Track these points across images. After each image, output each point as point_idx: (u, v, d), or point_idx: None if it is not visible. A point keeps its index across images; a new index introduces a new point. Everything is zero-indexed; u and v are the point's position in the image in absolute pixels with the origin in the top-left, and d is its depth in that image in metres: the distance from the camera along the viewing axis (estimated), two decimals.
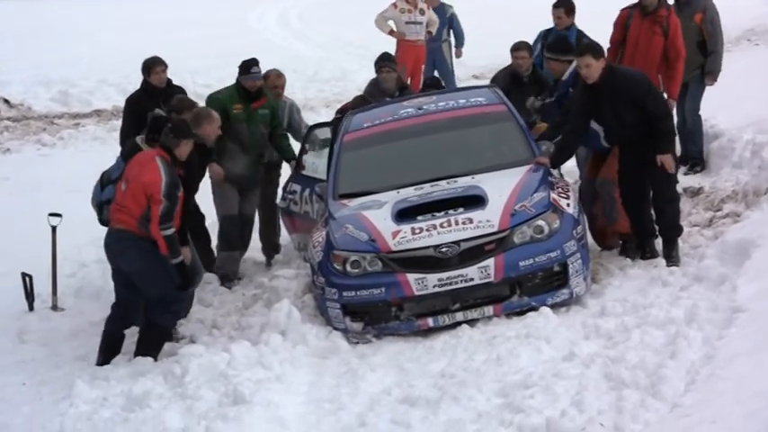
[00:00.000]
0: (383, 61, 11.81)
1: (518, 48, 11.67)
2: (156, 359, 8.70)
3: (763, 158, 11.23)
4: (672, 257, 9.52)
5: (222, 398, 7.69)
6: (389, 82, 11.71)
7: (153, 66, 11.16)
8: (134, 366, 8.57)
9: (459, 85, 13.24)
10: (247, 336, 8.97)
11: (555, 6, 12.29)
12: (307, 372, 8.31)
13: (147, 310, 8.93)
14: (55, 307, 10.33)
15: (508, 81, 11.44)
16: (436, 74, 15.98)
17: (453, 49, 17.19)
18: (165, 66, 11.20)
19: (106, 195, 9.37)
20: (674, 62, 11.29)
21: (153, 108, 10.22)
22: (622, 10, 11.72)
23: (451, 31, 17.11)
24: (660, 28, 11.29)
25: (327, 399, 7.82)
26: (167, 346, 8.98)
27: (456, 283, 8.85)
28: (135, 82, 11.88)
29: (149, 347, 8.82)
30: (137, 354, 8.81)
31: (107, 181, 9.53)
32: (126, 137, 10.84)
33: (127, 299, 8.98)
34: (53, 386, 8.54)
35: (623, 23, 11.54)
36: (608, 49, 11.70)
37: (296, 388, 7.98)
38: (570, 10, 12.22)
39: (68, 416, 7.72)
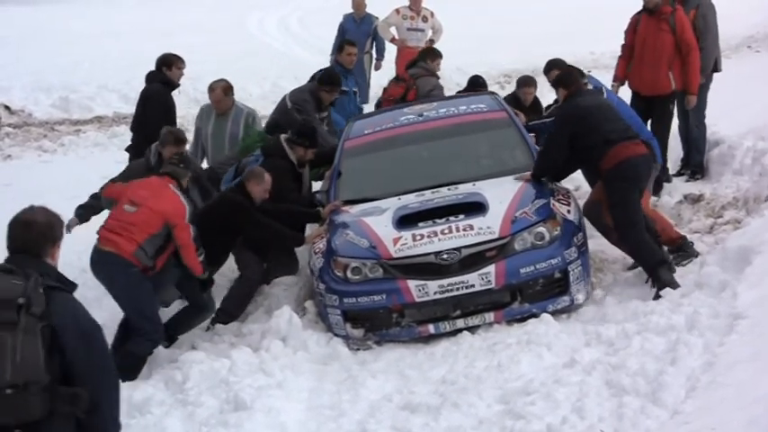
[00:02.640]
0: (333, 85, 11.82)
1: (527, 84, 12.29)
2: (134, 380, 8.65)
3: (763, 165, 11.23)
4: (659, 287, 8.94)
5: (223, 404, 7.69)
6: (326, 102, 11.85)
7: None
8: None
9: (457, 91, 13.34)
10: (248, 342, 8.97)
11: None
12: (307, 378, 8.30)
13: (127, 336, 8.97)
14: None
15: (512, 105, 11.74)
16: None
17: (374, 62, 17.24)
18: None
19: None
20: (687, 56, 11.50)
21: None
22: (632, 16, 11.89)
23: (374, 44, 17.15)
24: (666, 24, 11.45)
25: (328, 405, 7.82)
26: (168, 352, 8.98)
27: (457, 289, 8.84)
28: (137, 87, 11.92)
29: (125, 373, 8.76)
30: None
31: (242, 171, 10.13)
32: None
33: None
34: None
35: (633, 28, 11.75)
36: (620, 55, 11.91)
37: (297, 394, 7.97)
38: None
39: None
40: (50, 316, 4.86)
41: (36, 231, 5.08)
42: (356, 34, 16.75)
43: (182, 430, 7.42)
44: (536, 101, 12.32)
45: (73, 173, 15.63)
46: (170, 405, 7.77)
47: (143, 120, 11.04)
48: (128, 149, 11.32)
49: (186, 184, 9.27)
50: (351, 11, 17.41)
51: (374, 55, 17.22)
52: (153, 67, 11.63)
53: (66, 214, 10.85)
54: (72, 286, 5.15)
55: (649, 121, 11.58)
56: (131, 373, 8.66)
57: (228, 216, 9.43)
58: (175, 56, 11.61)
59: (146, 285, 8.77)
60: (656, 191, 11.23)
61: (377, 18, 17.12)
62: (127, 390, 8.02)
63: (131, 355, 8.75)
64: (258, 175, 9.70)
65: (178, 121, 11.81)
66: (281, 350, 8.60)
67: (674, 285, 8.91)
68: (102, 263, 8.86)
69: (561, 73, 10.03)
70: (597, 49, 20.64)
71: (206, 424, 7.45)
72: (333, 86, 11.80)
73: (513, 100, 12.04)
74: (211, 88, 11.34)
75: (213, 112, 11.35)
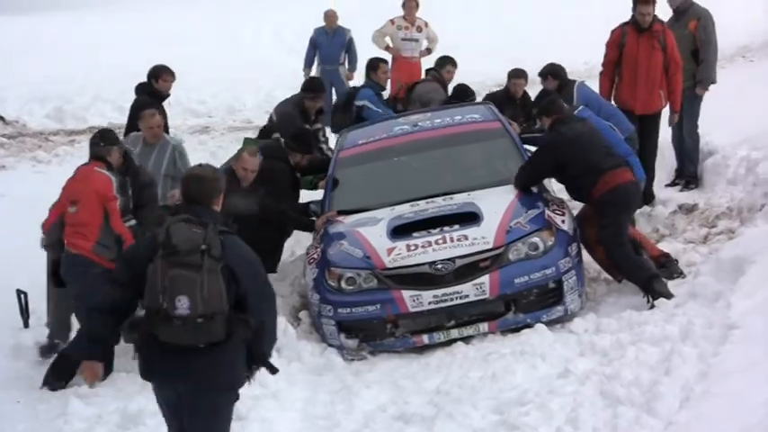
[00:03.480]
0: (316, 92, 11.97)
1: (517, 75, 12.47)
2: (65, 387, 8.58)
3: (757, 175, 11.24)
4: (650, 298, 9.05)
5: None
6: (311, 111, 11.89)
7: None
8: (129, 383, 8.54)
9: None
10: None
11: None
12: (302, 389, 8.30)
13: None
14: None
15: (503, 100, 12.05)
16: (335, 97, 16.04)
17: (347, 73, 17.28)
18: None
19: None
20: (675, 75, 11.44)
21: None
22: (614, 30, 11.70)
23: (347, 56, 17.16)
24: (658, 42, 11.37)
25: (322, 416, 7.82)
26: None
27: (451, 299, 8.84)
28: (131, 98, 11.89)
29: (59, 376, 8.71)
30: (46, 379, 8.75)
31: None
32: None
33: None
34: (48, 404, 8.49)
35: (618, 43, 11.53)
36: (602, 72, 11.80)
37: (291, 405, 7.97)
38: None
39: None
40: (226, 257, 5.89)
41: (206, 184, 6.12)
42: (329, 47, 16.83)
43: None
44: (526, 96, 12.44)
45: None
46: None
47: (133, 131, 10.99)
48: None
49: (116, 158, 9.09)
50: (322, 24, 17.38)
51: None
52: (146, 78, 11.67)
53: None
54: (234, 228, 6.15)
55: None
56: (67, 375, 8.64)
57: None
58: (164, 68, 11.60)
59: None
60: (648, 201, 11.27)
61: (349, 30, 17.16)
62: (120, 401, 8.04)
63: (66, 357, 8.66)
64: (236, 156, 9.89)
65: (171, 131, 11.78)
66: (276, 360, 8.52)
67: (669, 296, 8.93)
68: (67, 265, 8.89)
69: (545, 103, 10.08)
70: (591, 59, 20.63)
71: None
72: (315, 93, 11.81)
73: (504, 92, 12.35)
74: (151, 114, 10.56)
75: (140, 141, 10.54)
